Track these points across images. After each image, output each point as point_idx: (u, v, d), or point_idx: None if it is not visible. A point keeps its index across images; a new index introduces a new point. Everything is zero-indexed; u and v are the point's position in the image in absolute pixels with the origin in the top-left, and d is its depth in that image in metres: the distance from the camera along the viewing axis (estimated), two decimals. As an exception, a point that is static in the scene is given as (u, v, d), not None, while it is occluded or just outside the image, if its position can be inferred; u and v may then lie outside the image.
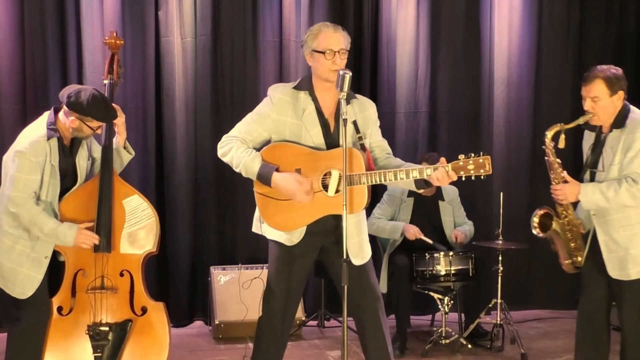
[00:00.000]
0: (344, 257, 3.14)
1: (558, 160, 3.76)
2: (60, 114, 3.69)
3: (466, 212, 5.40)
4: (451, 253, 4.97)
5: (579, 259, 3.87)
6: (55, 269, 3.74)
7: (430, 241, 5.09)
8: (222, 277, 5.36)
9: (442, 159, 3.25)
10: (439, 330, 4.96)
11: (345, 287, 3.15)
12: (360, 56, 5.85)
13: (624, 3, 6.22)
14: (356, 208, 3.32)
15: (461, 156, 3.21)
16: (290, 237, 3.44)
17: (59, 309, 3.72)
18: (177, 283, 5.63)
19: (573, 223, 3.84)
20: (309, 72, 3.50)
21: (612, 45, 6.18)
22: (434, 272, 4.93)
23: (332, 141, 3.41)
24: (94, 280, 3.73)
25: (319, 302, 5.61)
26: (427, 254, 4.94)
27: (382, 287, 4.94)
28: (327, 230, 3.41)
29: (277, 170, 3.33)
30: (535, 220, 3.91)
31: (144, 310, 3.79)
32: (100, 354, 3.67)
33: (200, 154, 5.63)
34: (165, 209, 5.52)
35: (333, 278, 3.57)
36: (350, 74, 3.21)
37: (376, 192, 4.84)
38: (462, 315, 5.17)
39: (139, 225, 3.81)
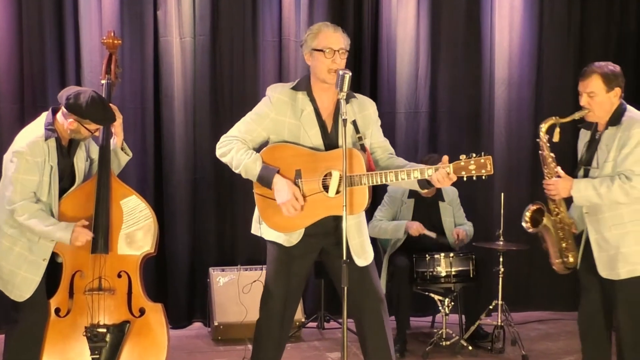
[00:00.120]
0: (344, 258, 3.12)
1: (552, 154, 3.74)
2: (59, 115, 3.67)
3: (467, 212, 5.38)
4: (452, 254, 4.96)
5: (571, 259, 3.84)
6: (53, 271, 3.72)
7: (433, 234, 5.08)
8: (221, 278, 5.33)
9: (445, 158, 3.23)
10: (440, 332, 4.94)
11: (345, 288, 3.13)
12: (360, 56, 5.83)
13: (624, 3, 6.21)
14: (357, 209, 3.30)
15: (462, 156, 3.19)
16: (289, 238, 3.42)
17: (57, 311, 3.70)
18: (175, 284, 5.61)
19: (565, 221, 3.81)
20: (307, 73, 3.48)
21: (613, 45, 6.16)
22: (434, 273, 4.91)
23: (330, 142, 3.39)
24: (92, 281, 3.71)
25: (318, 303, 5.59)
26: (427, 255, 4.92)
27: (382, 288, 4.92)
28: (327, 232, 3.40)
29: (278, 172, 3.32)
30: (527, 214, 3.87)
31: (142, 311, 3.77)
32: (98, 356, 3.66)
33: (199, 154, 5.62)
34: (164, 209, 5.50)
35: (334, 279, 3.55)
36: (350, 74, 3.19)
37: (377, 194, 4.81)
38: (463, 316, 5.15)
39: (136, 226, 3.79)
